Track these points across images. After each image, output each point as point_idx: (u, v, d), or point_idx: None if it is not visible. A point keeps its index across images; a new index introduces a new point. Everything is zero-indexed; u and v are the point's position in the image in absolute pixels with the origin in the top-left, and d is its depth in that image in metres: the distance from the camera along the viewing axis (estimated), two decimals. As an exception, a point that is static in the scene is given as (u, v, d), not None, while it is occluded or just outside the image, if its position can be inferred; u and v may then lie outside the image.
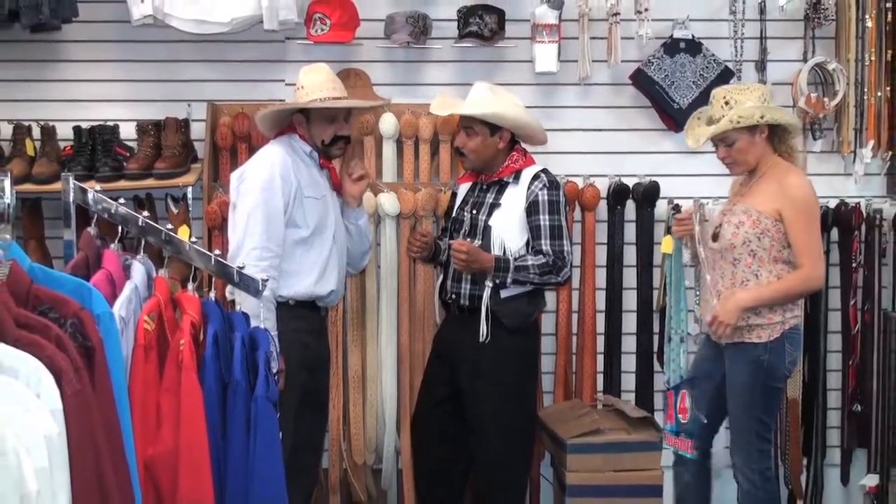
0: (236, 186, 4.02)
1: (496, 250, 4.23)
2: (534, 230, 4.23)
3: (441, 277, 4.48)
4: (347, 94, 4.23)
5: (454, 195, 4.59)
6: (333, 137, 4.11)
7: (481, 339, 4.23)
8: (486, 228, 4.27)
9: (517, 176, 4.30)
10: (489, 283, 4.19)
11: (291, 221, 3.97)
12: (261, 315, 3.19)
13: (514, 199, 4.27)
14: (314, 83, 4.09)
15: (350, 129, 4.22)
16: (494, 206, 4.29)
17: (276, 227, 3.91)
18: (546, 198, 4.23)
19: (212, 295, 3.06)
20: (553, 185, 4.29)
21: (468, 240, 4.26)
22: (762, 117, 4.00)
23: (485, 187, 4.37)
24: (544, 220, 4.22)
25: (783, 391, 4.47)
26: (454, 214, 4.47)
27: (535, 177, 4.28)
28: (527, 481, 4.66)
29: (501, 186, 4.32)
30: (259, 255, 3.82)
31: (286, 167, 3.97)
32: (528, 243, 4.26)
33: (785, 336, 4.04)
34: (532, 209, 4.23)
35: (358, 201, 4.28)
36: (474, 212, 4.34)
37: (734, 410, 4.20)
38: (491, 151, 4.30)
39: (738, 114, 3.99)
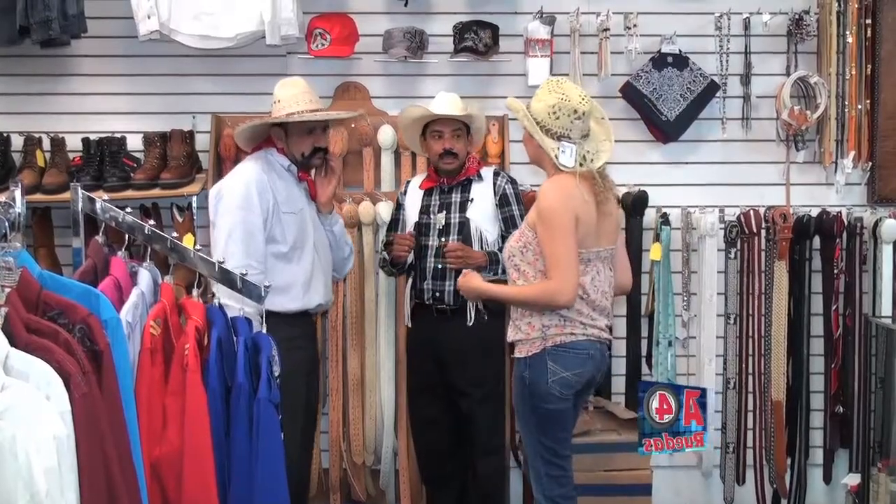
0: (214, 205, 3.97)
1: (475, 241, 4.44)
2: (509, 220, 4.49)
3: (411, 280, 4.59)
4: (324, 106, 4.26)
5: (400, 206, 4.70)
6: (313, 149, 4.09)
7: (468, 324, 4.43)
8: (464, 222, 4.46)
9: (479, 174, 4.58)
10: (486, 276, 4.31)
11: (270, 237, 3.93)
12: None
13: (483, 193, 4.52)
14: (290, 97, 4.06)
15: (328, 141, 4.20)
16: (466, 201, 4.50)
17: (256, 244, 3.87)
18: (513, 191, 4.56)
19: (216, 301, 3.05)
20: (513, 181, 4.62)
21: (444, 239, 4.46)
22: (526, 118, 3.66)
23: (447, 189, 4.54)
24: (517, 210, 4.51)
25: (565, 414, 3.76)
26: (417, 219, 4.57)
27: (497, 173, 4.63)
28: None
29: (465, 185, 4.53)
30: None
31: (262, 183, 3.93)
32: (500, 234, 4.48)
33: (547, 352, 3.67)
34: (504, 201, 4.53)
35: (329, 207, 4.22)
36: (444, 212, 4.51)
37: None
38: (467, 152, 4.57)
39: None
